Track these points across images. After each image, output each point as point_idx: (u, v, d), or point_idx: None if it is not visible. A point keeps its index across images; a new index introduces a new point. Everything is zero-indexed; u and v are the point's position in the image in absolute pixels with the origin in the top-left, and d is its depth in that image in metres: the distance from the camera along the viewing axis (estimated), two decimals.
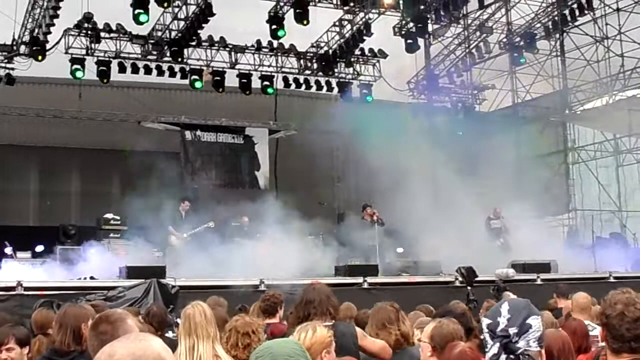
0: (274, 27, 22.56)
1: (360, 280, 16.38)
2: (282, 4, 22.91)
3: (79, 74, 22.34)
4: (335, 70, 26.48)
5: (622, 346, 3.50)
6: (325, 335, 5.10)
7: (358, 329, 6.43)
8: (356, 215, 21.75)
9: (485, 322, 3.53)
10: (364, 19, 24.49)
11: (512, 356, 3.37)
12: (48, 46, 21.45)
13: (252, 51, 25.34)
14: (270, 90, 25.44)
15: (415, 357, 6.33)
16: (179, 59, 23.48)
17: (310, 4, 22.75)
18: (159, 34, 23.20)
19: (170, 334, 8.97)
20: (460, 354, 4.70)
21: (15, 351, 5.49)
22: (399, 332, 6.49)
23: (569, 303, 9.20)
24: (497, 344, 3.42)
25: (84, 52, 22.62)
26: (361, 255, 19.83)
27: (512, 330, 3.41)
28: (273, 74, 25.62)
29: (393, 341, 6.44)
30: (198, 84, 24.19)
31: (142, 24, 20.94)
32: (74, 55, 22.39)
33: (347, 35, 25.25)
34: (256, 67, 25.42)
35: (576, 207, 30.53)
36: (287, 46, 25.43)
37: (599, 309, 3.73)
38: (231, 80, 24.77)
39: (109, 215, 20.45)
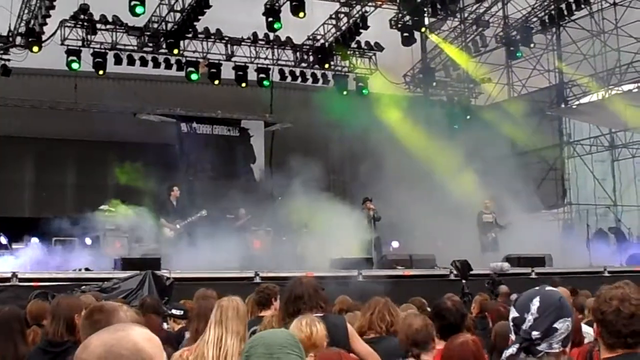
0: (270, 19, 22.50)
1: (355, 273, 16.39)
2: None
3: (74, 65, 22.31)
4: (332, 63, 26.47)
5: (618, 342, 3.48)
6: (325, 327, 5.21)
7: (349, 327, 6.36)
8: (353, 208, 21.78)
9: (512, 314, 3.46)
10: (360, 12, 24.48)
11: (531, 356, 3.32)
12: (44, 37, 21.42)
13: (249, 43, 25.32)
14: (266, 82, 25.41)
15: (393, 345, 6.34)
16: (175, 51, 23.42)
17: None
18: (155, 25, 23.16)
19: (164, 325, 9.00)
20: (461, 345, 4.69)
21: None
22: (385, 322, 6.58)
23: None
24: (517, 345, 3.35)
25: (80, 43, 22.59)
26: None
27: (535, 335, 3.32)
28: (269, 66, 25.60)
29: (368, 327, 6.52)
30: (194, 76, 24.13)
31: (138, 15, 20.92)
32: (69, 47, 22.36)
33: (343, 28, 25.25)
34: (252, 59, 25.39)
35: (571, 201, 30.60)
36: (283, 39, 25.43)
37: (593, 305, 3.68)
38: (227, 72, 24.72)
39: (104, 207, 20.44)
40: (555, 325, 3.36)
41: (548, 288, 3.55)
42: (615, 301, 3.52)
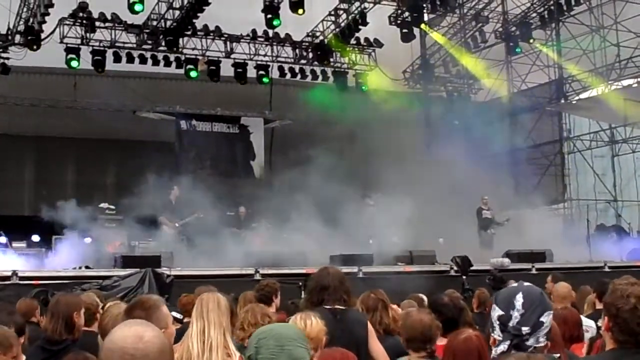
0: (269, 16, 22.48)
1: (355, 269, 16.36)
2: None
3: (74, 63, 22.32)
4: (331, 59, 26.47)
5: (629, 339, 3.45)
6: (322, 323, 5.22)
7: (369, 325, 6.30)
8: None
9: (496, 312, 3.46)
10: (359, 8, 24.45)
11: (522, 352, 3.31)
12: (43, 36, 21.40)
13: (248, 40, 25.32)
14: (265, 79, 25.43)
15: (392, 345, 6.30)
16: (174, 49, 23.42)
17: None
18: (154, 23, 23.15)
19: None
20: (465, 340, 4.66)
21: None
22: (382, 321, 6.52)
23: None
24: (508, 342, 3.36)
25: (79, 41, 22.60)
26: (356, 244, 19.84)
27: (525, 330, 3.35)
28: (268, 63, 25.60)
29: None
30: (193, 74, 24.14)
31: (137, 13, 20.91)
32: (69, 45, 22.37)
33: (342, 24, 25.23)
34: (251, 56, 25.39)
35: (571, 197, 30.58)
36: (282, 35, 25.43)
37: (608, 299, 3.62)
38: (226, 69, 24.73)
39: (104, 205, 20.41)
40: (541, 319, 3.38)
41: (526, 284, 3.55)
42: (633, 299, 3.44)
